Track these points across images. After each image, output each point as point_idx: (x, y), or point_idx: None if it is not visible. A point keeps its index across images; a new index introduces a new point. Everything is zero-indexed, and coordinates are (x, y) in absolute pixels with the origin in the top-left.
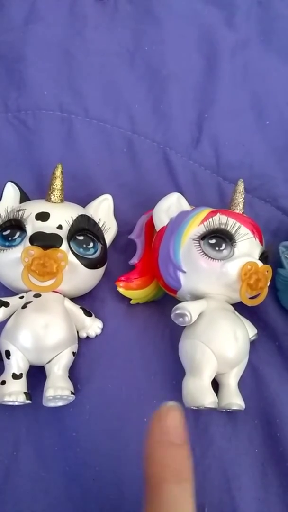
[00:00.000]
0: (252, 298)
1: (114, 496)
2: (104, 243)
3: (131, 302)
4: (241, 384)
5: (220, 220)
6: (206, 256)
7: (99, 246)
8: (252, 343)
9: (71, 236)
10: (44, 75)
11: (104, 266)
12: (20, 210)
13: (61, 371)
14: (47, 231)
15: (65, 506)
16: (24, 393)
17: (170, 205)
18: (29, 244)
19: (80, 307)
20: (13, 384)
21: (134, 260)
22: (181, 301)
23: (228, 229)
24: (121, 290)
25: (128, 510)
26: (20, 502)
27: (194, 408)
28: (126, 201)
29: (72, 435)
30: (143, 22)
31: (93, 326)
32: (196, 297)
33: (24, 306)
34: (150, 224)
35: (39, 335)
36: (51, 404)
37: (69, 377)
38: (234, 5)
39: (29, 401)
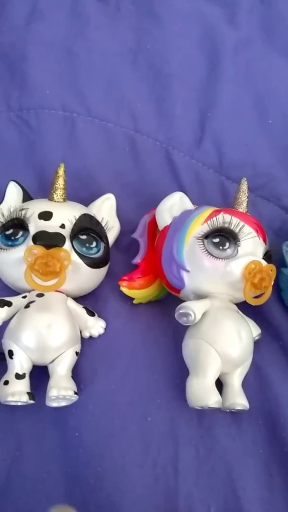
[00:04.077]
0: (256, 297)
1: (114, 498)
2: (107, 243)
3: (134, 301)
4: (245, 384)
5: (224, 219)
6: (209, 255)
7: (102, 245)
8: (256, 343)
9: (74, 235)
10: (47, 75)
11: (107, 266)
12: (23, 209)
13: (64, 371)
14: (50, 230)
15: None
16: (27, 393)
17: (173, 204)
18: (32, 244)
19: (83, 307)
20: (16, 384)
21: (137, 260)
22: (184, 301)
23: (232, 228)
24: (124, 289)
25: (128, 511)
26: (22, 503)
27: (198, 408)
28: (129, 201)
29: (74, 435)
30: (145, 21)
31: (96, 326)
32: (200, 296)
33: (27, 306)
34: (153, 223)
35: (42, 334)
36: (54, 404)
37: (72, 377)
38: (236, 4)
39: (32, 401)
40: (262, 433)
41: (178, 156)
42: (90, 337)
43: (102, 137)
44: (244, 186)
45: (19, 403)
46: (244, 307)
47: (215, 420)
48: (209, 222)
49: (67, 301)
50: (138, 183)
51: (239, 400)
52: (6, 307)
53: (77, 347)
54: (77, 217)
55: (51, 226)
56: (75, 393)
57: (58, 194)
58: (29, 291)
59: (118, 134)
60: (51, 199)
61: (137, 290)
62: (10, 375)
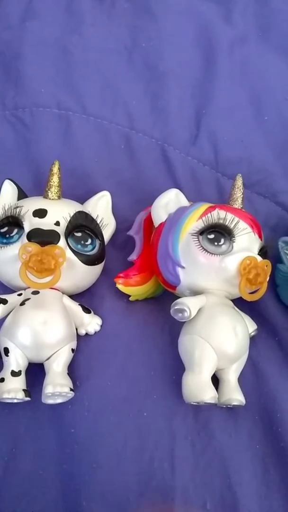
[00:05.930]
0: (251, 293)
1: (109, 494)
2: (102, 240)
3: (130, 298)
4: (241, 379)
5: (219, 215)
6: (205, 251)
7: (97, 242)
8: (252, 339)
9: (69, 233)
10: (42, 73)
11: (103, 263)
12: (17, 207)
13: (60, 368)
14: (45, 227)
15: (60, 504)
16: (23, 390)
17: (169, 201)
18: (26, 241)
19: (79, 304)
20: (12, 381)
21: (133, 257)
22: (180, 297)
23: (226, 223)
24: (120, 286)
25: (122, 507)
26: (18, 500)
27: (194, 403)
28: (124, 198)
29: (70, 431)
30: (140, 19)
31: (92, 323)
32: (195, 292)
33: (22, 303)
34: (149, 220)
35: (37, 332)
36: (50, 401)
37: (68, 374)
38: (231, 1)
39: (28, 398)
40: (258, 429)
41: (173, 153)
42: (86, 334)
43: (98, 135)
44: (239, 182)
45: (15, 400)
46: (240, 303)
47: (212, 416)
48: (204, 218)
49: (63, 299)
50: (134, 181)
51: (235, 396)
52: (1, 305)
53: (73, 344)
54: (72, 214)
55: (45, 223)
56: (71, 389)
57: (53, 191)
58: (24, 289)
59: (113, 131)
60: (45, 196)
61: (133, 287)
62: (6, 373)
